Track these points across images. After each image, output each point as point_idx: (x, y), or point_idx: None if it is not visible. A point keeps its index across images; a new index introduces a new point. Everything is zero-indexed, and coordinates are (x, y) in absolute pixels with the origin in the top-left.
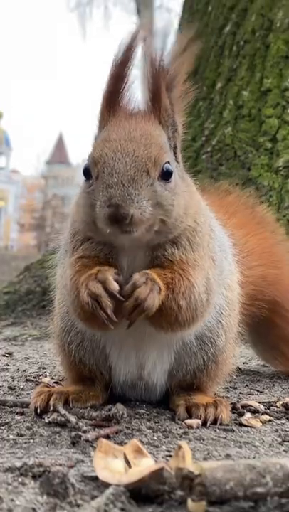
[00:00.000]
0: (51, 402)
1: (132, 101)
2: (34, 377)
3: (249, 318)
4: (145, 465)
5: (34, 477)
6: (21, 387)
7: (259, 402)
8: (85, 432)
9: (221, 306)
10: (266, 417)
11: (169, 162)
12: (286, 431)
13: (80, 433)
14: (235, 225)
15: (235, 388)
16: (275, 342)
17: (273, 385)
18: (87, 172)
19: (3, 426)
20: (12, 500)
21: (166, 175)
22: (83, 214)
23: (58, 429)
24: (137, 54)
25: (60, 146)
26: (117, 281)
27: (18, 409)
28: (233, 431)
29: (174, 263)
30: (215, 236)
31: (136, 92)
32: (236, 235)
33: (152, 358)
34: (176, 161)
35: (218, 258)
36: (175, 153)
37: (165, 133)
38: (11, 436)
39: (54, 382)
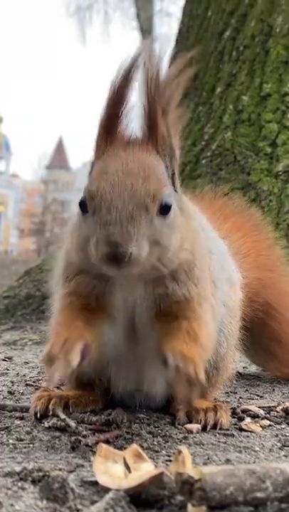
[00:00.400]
0: (51, 407)
1: (129, 127)
2: (34, 382)
3: (245, 321)
4: (145, 470)
5: (34, 482)
6: (21, 391)
7: (259, 407)
8: (84, 436)
9: (223, 315)
10: (266, 422)
11: (168, 195)
12: (286, 436)
13: (79, 438)
14: (231, 228)
15: (235, 393)
16: (267, 344)
17: (273, 390)
18: (83, 205)
19: (2, 430)
20: (12, 505)
21: (164, 209)
22: (79, 247)
23: (57, 433)
24: (136, 78)
25: (60, 150)
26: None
27: (17, 414)
28: (233, 436)
29: (182, 307)
30: (215, 256)
31: (133, 117)
32: (232, 238)
33: (152, 371)
34: (175, 190)
35: (220, 278)
36: (173, 180)
37: (163, 161)
38: (11, 441)
39: (54, 387)
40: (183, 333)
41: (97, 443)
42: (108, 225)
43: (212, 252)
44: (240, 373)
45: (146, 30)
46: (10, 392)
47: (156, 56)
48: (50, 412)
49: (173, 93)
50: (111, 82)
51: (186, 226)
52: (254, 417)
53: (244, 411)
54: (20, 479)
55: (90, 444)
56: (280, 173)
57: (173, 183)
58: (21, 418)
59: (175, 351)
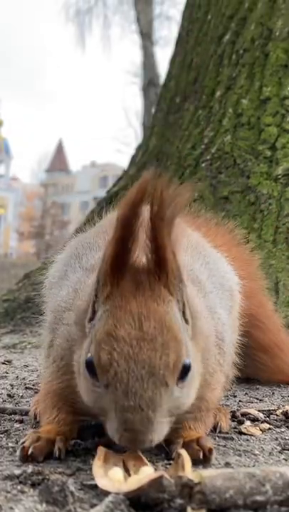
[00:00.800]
0: None
1: (138, 261)
2: (33, 385)
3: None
4: (145, 473)
5: (33, 485)
6: (20, 394)
7: (259, 410)
8: (84, 440)
9: (225, 332)
10: (266, 426)
11: (188, 356)
12: (286, 439)
13: (79, 441)
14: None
15: (235, 396)
16: (254, 354)
17: (273, 393)
18: (91, 370)
19: (2, 434)
20: (11, 508)
21: (184, 374)
22: (87, 401)
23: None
24: (143, 211)
25: (59, 153)
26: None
27: (17, 417)
28: (232, 439)
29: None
30: (219, 287)
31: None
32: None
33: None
34: (186, 321)
35: (225, 336)
36: (184, 312)
37: (175, 300)
38: (10, 444)
39: None
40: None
41: (96, 446)
42: (126, 412)
43: (216, 312)
44: (239, 377)
45: (145, 33)
46: (9, 396)
47: (162, 186)
48: None
49: (174, 220)
50: (118, 216)
51: (196, 345)
52: (254, 420)
53: (244, 414)
54: (20, 482)
55: (89, 447)
56: (280, 176)
57: (184, 315)
58: (21, 421)
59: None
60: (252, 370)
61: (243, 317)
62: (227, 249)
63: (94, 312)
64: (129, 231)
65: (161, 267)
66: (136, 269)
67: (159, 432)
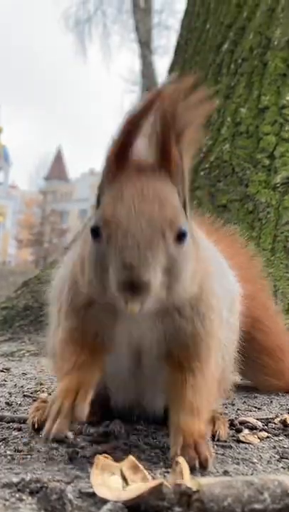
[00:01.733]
0: None
1: (142, 154)
2: (31, 393)
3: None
4: (142, 481)
5: (32, 493)
6: (19, 402)
7: (257, 419)
8: (82, 448)
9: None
10: (264, 434)
11: (184, 223)
12: (284, 448)
13: (77, 449)
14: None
15: (233, 404)
16: (256, 357)
17: (271, 402)
18: (96, 231)
19: (0, 441)
20: None
21: (181, 237)
22: (90, 276)
23: (55, 444)
24: (152, 113)
25: (58, 161)
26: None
27: (15, 425)
28: (230, 447)
29: (189, 350)
30: (220, 277)
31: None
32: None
33: (152, 392)
34: (186, 217)
35: (226, 315)
36: (184, 208)
37: (176, 189)
38: (9, 452)
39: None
40: (188, 389)
41: (94, 454)
42: (124, 251)
43: (216, 274)
44: (238, 385)
45: (144, 42)
46: (8, 404)
47: (176, 88)
48: None
49: (188, 123)
50: (128, 111)
51: (196, 257)
52: (252, 428)
53: (242, 423)
54: (18, 490)
55: (87, 455)
56: (278, 185)
57: (184, 211)
58: (19, 429)
59: (180, 432)
60: (253, 373)
61: (246, 319)
62: (229, 251)
63: (99, 203)
64: (136, 126)
65: (165, 158)
66: (140, 161)
67: (155, 276)
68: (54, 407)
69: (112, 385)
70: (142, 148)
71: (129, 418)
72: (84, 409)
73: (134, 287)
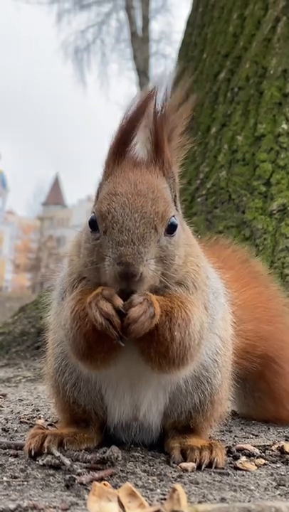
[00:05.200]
0: (45, 444)
1: (137, 151)
2: (28, 419)
3: (240, 370)
4: (139, 509)
5: None
6: (15, 429)
7: (254, 446)
8: (79, 474)
9: (217, 345)
10: (261, 461)
11: (174, 216)
12: (281, 475)
13: (74, 475)
14: (231, 278)
15: (231, 431)
16: (258, 397)
17: (268, 429)
18: (93, 224)
19: None
20: None
21: (171, 229)
22: (86, 259)
23: (52, 471)
24: (148, 112)
25: (56, 187)
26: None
27: (12, 451)
28: (228, 474)
29: (175, 296)
30: (209, 283)
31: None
32: (232, 288)
33: (148, 398)
34: (176, 210)
35: (211, 306)
36: (175, 202)
37: (167, 184)
38: (5, 478)
39: (48, 425)
40: (163, 301)
41: (91, 481)
42: (121, 246)
43: (208, 278)
44: (235, 412)
45: (142, 71)
46: (4, 430)
47: (165, 91)
48: (45, 450)
49: (177, 121)
50: (124, 112)
51: (189, 244)
52: (249, 455)
53: (239, 450)
54: None
55: (84, 482)
56: (275, 211)
57: (175, 204)
58: (15, 456)
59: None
60: (247, 410)
61: (258, 359)
62: (241, 287)
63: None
64: (133, 125)
65: (158, 155)
66: (136, 158)
67: (148, 269)
68: (98, 318)
69: (108, 393)
70: (138, 148)
71: (127, 435)
72: (118, 298)
73: (128, 278)
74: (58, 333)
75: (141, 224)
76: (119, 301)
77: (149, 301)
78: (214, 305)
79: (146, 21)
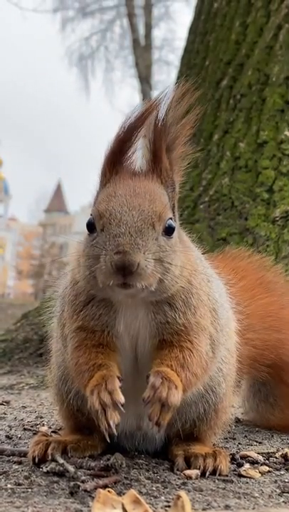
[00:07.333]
0: (49, 452)
1: (135, 162)
2: (32, 426)
3: (249, 378)
4: None
5: None
6: (19, 436)
7: (258, 453)
8: (83, 481)
9: (222, 354)
10: (265, 468)
11: (172, 218)
12: (285, 482)
13: (78, 483)
14: (242, 288)
15: (234, 439)
16: (272, 403)
17: (272, 436)
18: (91, 226)
19: (0, 475)
20: None
21: (169, 230)
22: (86, 267)
23: (56, 478)
24: (147, 123)
25: (58, 194)
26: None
27: (15, 459)
28: (232, 481)
29: (180, 334)
30: (213, 286)
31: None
32: (242, 297)
33: None
34: (174, 220)
35: (219, 306)
36: (173, 211)
37: (166, 192)
38: (9, 486)
39: (52, 432)
40: (172, 359)
41: (95, 488)
42: (118, 237)
43: (211, 281)
44: (239, 419)
45: (144, 78)
46: (8, 437)
47: (166, 101)
48: (49, 457)
49: (179, 131)
50: (123, 121)
51: (185, 256)
52: (253, 463)
53: (243, 457)
54: None
55: (88, 489)
56: (277, 218)
57: (173, 214)
58: (19, 463)
59: (158, 372)
60: (253, 416)
61: (267, 367)
62: (251, 297)
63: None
64: (130, 135)
65: (156, 164)
66: (134, 167)
67: (146, 261)
68: (96, 406)
69: None
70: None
71: (131, 443)
72: (120, 394)
73: (125, 268)
74: (60, 342)
75: (139, 220)
76: (120, 398)
77: (166, 377)
78: (221, 304)
79: (148, 29)
